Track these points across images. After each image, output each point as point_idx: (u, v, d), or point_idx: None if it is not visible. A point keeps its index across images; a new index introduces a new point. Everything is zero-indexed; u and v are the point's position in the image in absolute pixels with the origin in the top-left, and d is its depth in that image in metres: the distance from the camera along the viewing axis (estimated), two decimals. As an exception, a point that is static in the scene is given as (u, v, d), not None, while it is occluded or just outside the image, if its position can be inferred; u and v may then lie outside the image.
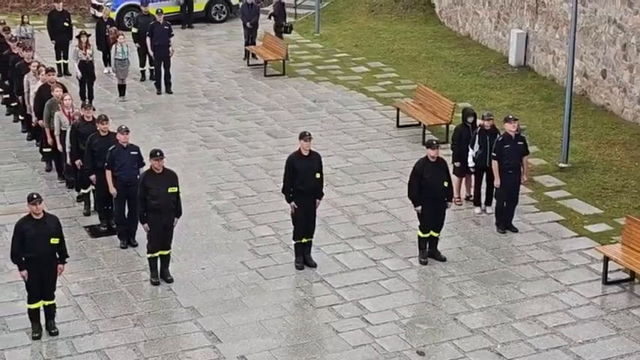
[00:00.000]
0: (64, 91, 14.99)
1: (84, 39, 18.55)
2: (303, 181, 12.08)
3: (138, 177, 12.64)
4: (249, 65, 22.23)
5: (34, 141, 16.66)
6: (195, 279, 12.09)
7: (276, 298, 11.60)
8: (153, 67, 20.57)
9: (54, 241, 10.41)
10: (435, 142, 12.41)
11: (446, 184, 12.35)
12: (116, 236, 13.12)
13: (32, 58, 16.86)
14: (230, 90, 20.47)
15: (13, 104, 17.82)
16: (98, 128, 13.17)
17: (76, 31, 20.70)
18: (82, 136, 13.56)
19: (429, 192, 12.25)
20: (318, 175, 12.21)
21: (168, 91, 20.04)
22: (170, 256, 12.08)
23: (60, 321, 10.79)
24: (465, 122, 14.13)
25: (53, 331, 10.63)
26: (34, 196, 10.41)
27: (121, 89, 19.49)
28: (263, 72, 21.50)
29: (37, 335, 10.55)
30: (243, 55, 22.80)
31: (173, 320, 11.07)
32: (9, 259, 12.23)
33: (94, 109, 14.51)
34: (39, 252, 10.34)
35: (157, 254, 11.96)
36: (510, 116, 13.46)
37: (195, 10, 26.04)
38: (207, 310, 11.28)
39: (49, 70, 15.44)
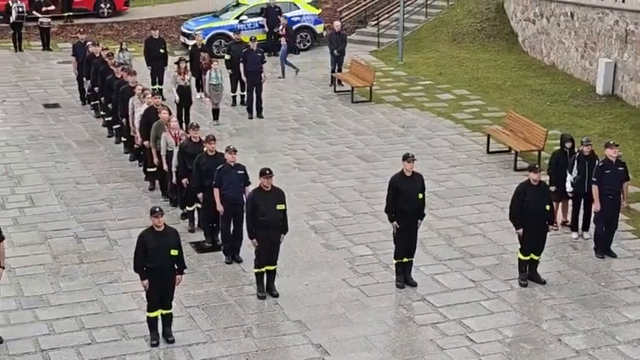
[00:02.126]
0: (170, 113, 15.74)
1: (182, 65, 19.38)
2: (405, 201, 12.50)
3: (244, 195, 13.26)
4: (335, 92, 22.85)
5: (137, 162, 17.46)
6: (299, 294, 12.56)
7: (379, 315, 11.99)
8: (244, 93, 21.33)
9: (173, 252, 11.02)
10: (537, 166, 12.71)
11: (547, 207, 12.60)
12: (221, 252, 13.71)
13: (136, 82, 17.69)
14: (319, 115, 21.07)
15: (115, 126, 18.69)
16: (206, 148, 13.82)
17: (171, 58, 21.61)
18: (189, 156, 14.23)
19: (530, 215, 12.53)
20: (420, 196, 12.61)
21: (260, 115, 20.74)
22: (276, 271, 12.59)
23: (175, 330, 11.37)
24: (562, 148, 14.38)
25: (170, 339, 11.20)
26: (157, 210, 11.05)
27: (215, 113, 20.26)
28: (350, 98, 22.09)
29: (155, 342, 11.14)
30: (329, 82, 23.43)
31: (282, 332, 11.55)
32: (123, 271, 13.05)
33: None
34: (159, 263, 10.95)
35: (263, 269, 12.48)
36: (611, 142, 13.68)
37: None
38: (314, 324, 11.73)
39: (154, 94, 16.24)
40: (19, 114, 20.88)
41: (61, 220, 14.92)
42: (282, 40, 24.78)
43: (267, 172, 12.32)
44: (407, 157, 12.60)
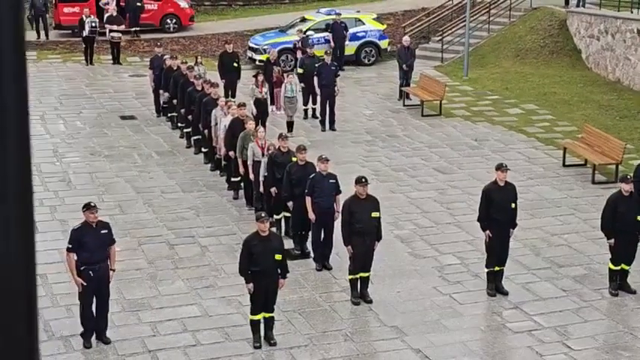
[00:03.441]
0: (257, 124, 16.12)
1: (260, 78, 19.82)
2: (498, 210, 12.70)
3: (335, 204, 13.57)
4: (405, 105, 23.13)
5: (218, 171, 17.86)
6: (392, 301, 12.80)
7: (474, 322, 12.18)
8: (316, 106, 21.71)
9: (278, 257, 11.33)
10: (629, 177, 12.83)
11: (639, 217, 12.71)
12: (309, 259, 14.00)
13: (218, 94, 18.12)
14: (390, 128, 21.36)
15: (194, 137, 19.12)
16: (297, 157, 14.16)
17: (246, 71, 22.04)
18: (278, 166, 14.58)
19: (622, 225, 12.64)
20: (513, 205, 12.80)
21: (332, 128, 21.08)
22: (370, 277, 12.84)
23: (276, 333, 11.66)
24: (649, 159, 14.48)
25: (272, 342, 11.50)
26: (262, 215, 11.39)
27: (290, 125, 20.64)
28: (420, 112, 22.35)
29: (257, 345, 11.44)
30: (397, 96, 23.72)
31: (380, 337, 11.78)
32: (217, 276, 13.40)
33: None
34: (264, 267, 11.26)
35: (357, 276, 12.74)
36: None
37: (345, 54, 27.24)
38: (411, 330, 11.95)
39: (240, 105, 16.63)
40: (96, 125, 21.45)
41: (152, 227, 15.34)
42: (299, 54, 24.67)
43: (363, 180, 12.60)
44: (500, 167, 12.81)
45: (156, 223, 15.52)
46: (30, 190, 1.97)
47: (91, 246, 11.04)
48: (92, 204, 11.30)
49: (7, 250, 1.91)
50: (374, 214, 12.59)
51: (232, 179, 16.71)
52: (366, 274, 12.77)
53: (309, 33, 27.21)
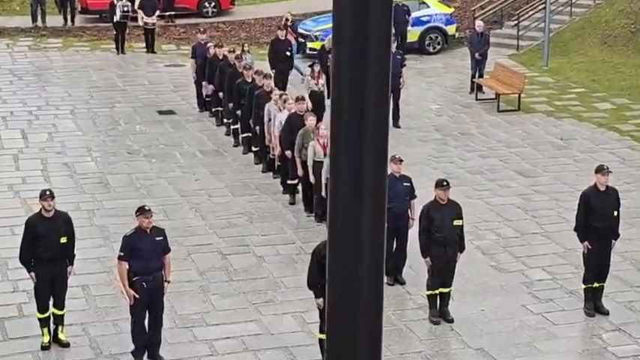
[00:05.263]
0: (318, 120, 16.27)
1: (317, 69, 19.98)
2: (599, 218, 12.68)
3: (409, 210, 13.65)
4: (477, 99, 23.14)
5: (271, 173, 18.03)
6: (475, 320, 12.85)
7: (571, 345, 12.19)
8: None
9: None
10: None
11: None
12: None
13: (272, 86, 18.27)
14: (462, 125, 21.40)
15: (244, 135, 19.30)
16: (366, 157, 14.26)
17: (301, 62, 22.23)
18: (344, 166, 14.69)
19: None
20: (615, 213, 12.77)
21: (396, 125, 21.11)
22: (450, 294, 12.90)
23: (347, 354, 11.76)
24: None
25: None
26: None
27: (349, 122, 20.72)
28: (495, 107, 22.35)
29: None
30: (468, 89, 23.74)
31: (465, 361, 11.86)
32: (277, 290, 13.57)
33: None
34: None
35: (437, 291, 12.81)
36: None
37: (407, 41, 27.27)
38: (499, 353, 11.99)
39: (299, 99, 16.79)
40: (133, 121, 21.77)
41: (201, 234, 15.56)
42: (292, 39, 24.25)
43: (444, 183, 12.68)
44: (601, 169, 12.80)
45: (205, 229, 15.74)
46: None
47: (145, 254, 11.26)
48: (146, 207, 11.53)
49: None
50: (456, 222, 12.65)
51: (289, 182, 16.88)
52: (446, 290, 12.83)
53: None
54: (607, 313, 12.86)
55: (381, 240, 3.04)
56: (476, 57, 23.42)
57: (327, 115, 20.40)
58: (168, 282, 11.73)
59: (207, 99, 21.81)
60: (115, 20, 27.20)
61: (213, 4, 31.26)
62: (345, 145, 2.96)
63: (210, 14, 31.13)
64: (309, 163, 15.74)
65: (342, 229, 3.04)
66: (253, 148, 18.87)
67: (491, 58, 25.47)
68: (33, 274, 11.70)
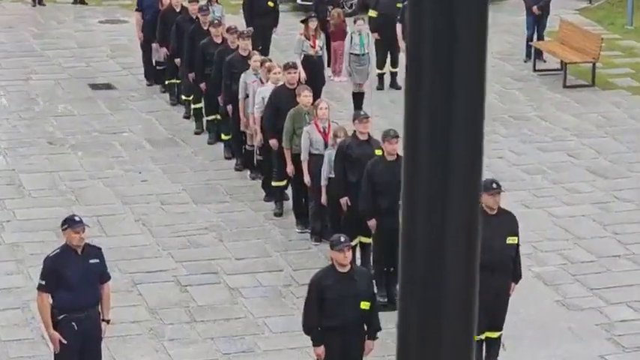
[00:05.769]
0: (316, 97, 16.30)
1: (313, 25, 19.96)
2: None
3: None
4: (535, 70, 23.30)
5: (248, 171, 18.03)
6: (536, 378, 12.91)
7: (669, 411, 12.23)
8: (396, 69, 21.85)
9: (365, 305, 11.60)
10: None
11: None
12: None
13: (249, 50, 18.26)
14: (516, 106, 21.56)
15: (210, 118, 19.30)
16: (383, 150, 14.23)
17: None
18: (353, 162, 14.67)
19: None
20: None
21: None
22: (501, 340, 12.91)
23: None
24: None
25: None
26: (342, 240, 11.66)
27: (357, 99, 20.73)
28: (562, 81, 22.48)
29: None
30: (524, 56, 23.88)
31: None
32: (260, 335, 13.59)
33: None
34: (343, 320, 11.53)
35: (483, 336, 12.80)
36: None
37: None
38: (570, 423, 12.03)
39: (289, 67, 16.76)
40: (56, 98, 21.77)
41: (151, 256, 15.61)
42: None
43: (494, 185, 12.67)
44: None
45: (156, 250, 15.80)
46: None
47: (76, 283, 11.31)
48: (77, 218, 11.54)
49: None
50: (510, 240, 12.63)
51: (274, 183, 16.89)
52: (494, 335, 12.83)
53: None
54: None
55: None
56: (534, 11, 23.49)
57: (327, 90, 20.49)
58: (108, 322, 11.77)
59: (158, 67, 21.92)
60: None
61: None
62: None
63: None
64: (303, 157, 15.73)
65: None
66: (223, 137, 18.95)
67: (555, 14, 25.59)
68: None
